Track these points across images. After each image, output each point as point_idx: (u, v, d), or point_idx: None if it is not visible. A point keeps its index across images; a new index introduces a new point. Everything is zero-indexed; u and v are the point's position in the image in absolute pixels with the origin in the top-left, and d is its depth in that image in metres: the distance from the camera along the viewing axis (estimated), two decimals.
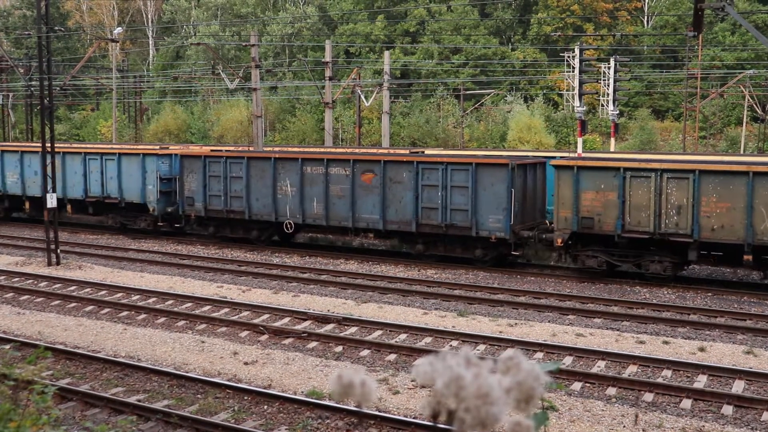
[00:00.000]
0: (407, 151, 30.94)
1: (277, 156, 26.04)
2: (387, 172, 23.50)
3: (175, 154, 28.73)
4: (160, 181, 27.91)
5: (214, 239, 27.73)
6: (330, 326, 16.44)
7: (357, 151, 34.21)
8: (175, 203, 28.05)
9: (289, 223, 25.54)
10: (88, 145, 39.52)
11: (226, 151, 30.09)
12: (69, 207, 30.58)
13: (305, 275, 22.26)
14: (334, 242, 28.65)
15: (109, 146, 37.82)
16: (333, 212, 24.60)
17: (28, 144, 39.63)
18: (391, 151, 32.42)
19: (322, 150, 33.67)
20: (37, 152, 29.33)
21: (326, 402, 11.75)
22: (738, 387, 12.63)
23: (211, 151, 29.84)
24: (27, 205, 32.40)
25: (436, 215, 22.75)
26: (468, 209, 22.13)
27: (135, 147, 36.48)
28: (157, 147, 34.34)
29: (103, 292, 20.07)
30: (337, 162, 24.62)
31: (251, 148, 35.11)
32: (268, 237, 27.07)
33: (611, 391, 12.57)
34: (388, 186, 23.51)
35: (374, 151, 33.09)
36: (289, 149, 36.46)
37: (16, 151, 32.63)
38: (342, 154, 26.80)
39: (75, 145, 37.91)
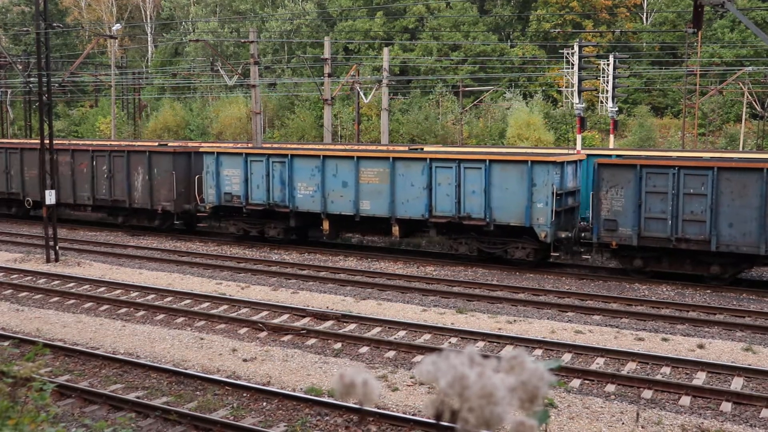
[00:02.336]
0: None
1: None
2: None
3: (579, 161, 23.43)
4: (555, 197, 21.44)
5: (641, 275, 21.32)
6: (329, 323, 16.43)
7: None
8: (573, 225, 22.24)
9: None
10: (438, 149, 31.02)
11: (677, 158, 23.44)
12: (396, 229, 23.54)
13: (304, 272, 22.25)
14: None
15: (467, 150, 28.99)
16: None
17: (334, 146, 34.22)
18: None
19: None
20: (350, 158, 24.08)
21: (325, 399, 11.75)
22: (737, 384, 12.64)
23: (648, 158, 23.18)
24: (326, 225, 24.85)
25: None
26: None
27: (509, 151, 29.27)
28: (552, 152, 26.64)
29: (102, 289, 20.05)
30: None
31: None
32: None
33: (610, 388, 12.57)
34: None
35: None
36: None
37: (316, 156, 24.82)
38: None
39: (414, 151, 27.62)
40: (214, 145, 34.38)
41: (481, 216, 22.05)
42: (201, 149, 28.01)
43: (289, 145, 34.91)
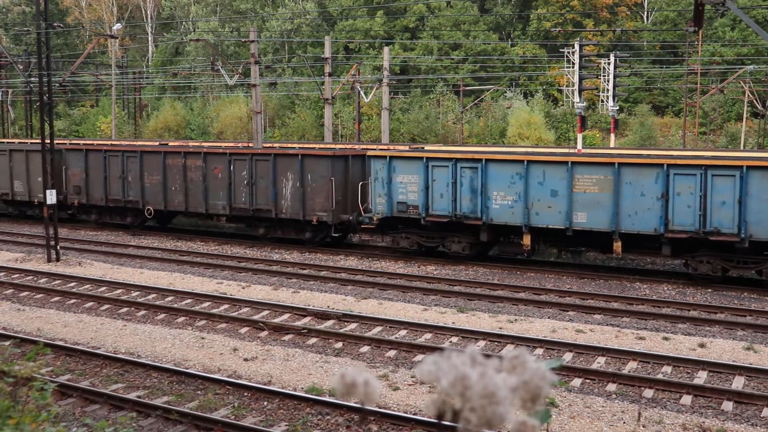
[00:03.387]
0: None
1: None
2: None
3: None
4: None
5: None
6: (330, 322, 16.42)
7: None
8: None
9: None
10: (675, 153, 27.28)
11: None
12: (618, 245, 20.63)
13: (305, 272, 22.25)
14: None
15: (711, 155, 25.60)
16: None
17: (538, 149, 31.51)
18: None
19: None
20: (561, 163, 21.29)
21: (326, 398, 11.75)
22: (738, 383, 12.63)
23: None
24: (527, 239, 21.89)
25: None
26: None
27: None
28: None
29: (103, 289, 20.05)
30: None
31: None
32: None
33: (611, 387, 12.56)
34: None
35: None
36: None
37: (518, 162, 22.01)
38: None
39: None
40: (383, 148, 30.26)
41: (733, 231, 19.13)
42: (370, 153, 24.65)
43: (477, 148, 31.40)
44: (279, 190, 25.32)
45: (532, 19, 64.19)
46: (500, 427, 1.18)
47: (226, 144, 35.28)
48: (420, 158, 23.10)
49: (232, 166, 26.14)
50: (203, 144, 37.26)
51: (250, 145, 34.46)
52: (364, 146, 31.59)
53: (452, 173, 22.49)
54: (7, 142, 38.07)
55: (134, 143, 36.73)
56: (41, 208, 27.84)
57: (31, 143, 35.72)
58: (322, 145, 34.00)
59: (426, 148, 30.02)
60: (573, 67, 32.67)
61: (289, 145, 33.76)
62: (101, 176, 29.29)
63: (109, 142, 37.71)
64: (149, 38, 78.95)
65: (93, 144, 34.67)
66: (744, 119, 50.35)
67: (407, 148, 30.03)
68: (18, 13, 79.92)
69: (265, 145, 34.16)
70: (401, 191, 23.34)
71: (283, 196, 25.26)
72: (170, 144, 35.93)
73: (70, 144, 33.55)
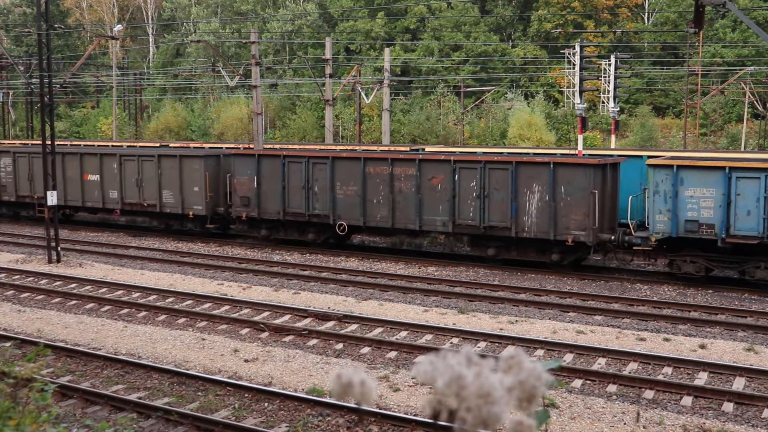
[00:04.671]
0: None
1: None
2: None
3: None
4: None
5: None
6: (330, 324, 16.43)
7: None
8: None
9: None
10: None
11: None
12: None
13: (306, 273, 22.25)
14: None
15: None
16: None
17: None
18: None
19: None
20: None
21: (327, 399, 11.75)
22: (739, 384, 12.63)
23: None
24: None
25: None
26: None
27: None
28: None
29: (104, 290, 20.06)
30: None
31: None
32: None
33: (612, 388, 12.56)
34: None
35: None
36: None
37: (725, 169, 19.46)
38: None
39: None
40: (671, 154, 25.20)
41: None
42: (650, 161, 20.97)
43: None
44: (521, 204, 21.69)
45: (532, 20, 64.20)
46: (496, 427, 1.18)
47: (449, 149, 30.53)
48: (719, 168, 19.61)
49: (456, 176, 22.48)
50: (414, 147, 32.63)
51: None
52: (610, 151, 28.58)
53: (765, 186, 19.00)
54: (159, 146, 36.41)
55: (327, 148, 32.55)
56: (196, 221, 27.74)
57: (188, 147, 34.50)
58: (539, 150, 30.19)
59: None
60: (574, 69, 32.68)
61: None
62: (278, 186, 25.33)
63: (287, 146, 35.56)
64: (150, 39, 79.01)
65: (269, 149, 31.46)
66: (744, 120, 50.33)
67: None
68: (19, 14, 80.00)
69: (489, 150, 30.61)
70: (690, 208, 19.92)
71: (527, 212, 21.64)
72: (372, 149, 31.87)
73: (243, 149, 30.72)
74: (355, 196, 24.10)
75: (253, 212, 26.02)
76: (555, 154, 26.77)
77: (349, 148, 34.13)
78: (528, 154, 26.37)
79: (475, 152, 28.03)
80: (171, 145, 39.02)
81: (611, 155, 24.39)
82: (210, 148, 33.66)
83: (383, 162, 23.71)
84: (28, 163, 31.80)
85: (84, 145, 38.13)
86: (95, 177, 29.74)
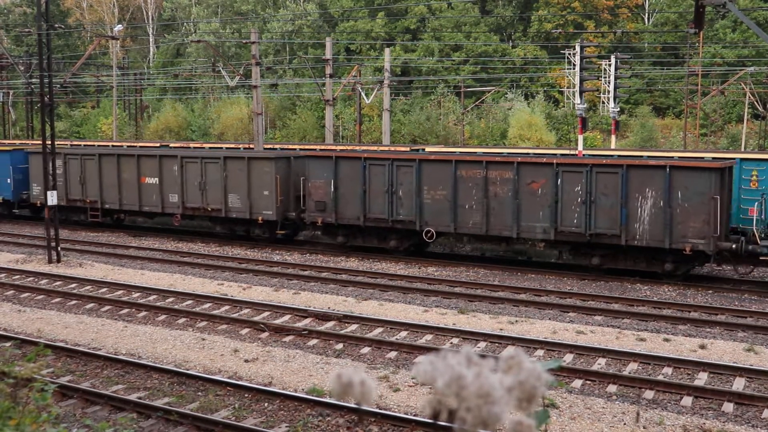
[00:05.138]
0: None
1: None
2: None
3: None
4: None
5: None
6: (330, 324, 16.43)
7: None
8: None
9: None
10: None
11: None
12: None
13: (306, 273, 22.25)
14: None
15: None
16: None
17: None
18: None
19: None
20: None
21: (327, 399, 11.75)
22: (739, 384, 12.63)
23: None
24: None
25: None
26: None
27: None
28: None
29: (104, 290, 20.07)
30: None
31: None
32: None
33: (612, 388, 12.56)
34: None
35: None
36: None
37: None
38: None
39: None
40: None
41: None
42: None
43: None
44: (632, 210, 20.38)
45: (533, 20, 64.20)
46: (496, 427, 1.18)
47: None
48: None
49: (559, 180, 21.17)
50: (513, 151, 30.31)
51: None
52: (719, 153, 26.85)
53: None
54: (226, 149, 34.12)
55: (395, 149, 30.49)
56: (264, 227, 26.22)
57: (260, 148, 32.28)
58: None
59: None
60: (574, 69, 32.67)
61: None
62: (358, 190, 23.98)
63: (371, 148, 32.93)
64: (150, 39, 79.01)
65: (348, 150, 30.00)
66: (745, 121, 50.33)
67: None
68: (19, 14, 80.00)
69: (567, 151, 29.01)
70: None
71: (638, 218, 20.33)
72: (462, 151, 29.83)
73: (320, 150, 29.31)
74: (444, 201, 22.82)
75: (330, 218, 24.63)
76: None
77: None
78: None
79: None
80: (225, 146, 37.05)
81: (730, 158, 22.68)
82: (280, 149, 32.05)
83: (477, 165, 22.44)
84: (79, 165, 30.06)
85: (140, 146, 36.61)
86: (153, 180, 28.15)
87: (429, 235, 23.06)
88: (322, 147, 33.20)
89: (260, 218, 25.91)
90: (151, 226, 31.97)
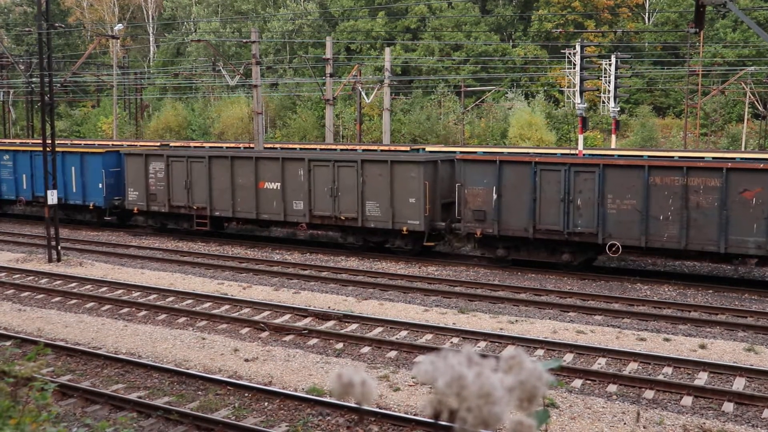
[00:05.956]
0: None
1: None
2: None
3: None
4: None
5: None
6: (331, 323, 16.43)
7: None
8: None
9: None
10: None
11: None
12: None
13: (306, 272, 22.25)
14: None
15: None
16: None
17: None
18: None
19: None
20: None
21: (327, 399, 11.75)
22: (739, 384, 12.63)
23: None
24: None
25: None
26: None
27: None
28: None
29: (104, 289, 20.07)
30: None
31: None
32: None
33: (612, 388, 12.56)
34: None
35: None
36: None
37: None
38: None
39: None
40: None
41: None
42: None
43: None
44: None
45: (533, 20, 64.21)
46: (497, 427, 1.18)
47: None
48: None
49: None
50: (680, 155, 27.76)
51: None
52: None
53: None
54: (363, 151, 30.66)
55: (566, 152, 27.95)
56: (408, 239, 23.65)
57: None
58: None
59: None
60: (574, 68, 32.68)
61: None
62: (526, 198, 21.60)
63: (532, 150, 30.14)
64: (150, 39, 79.02)
65: (515, 154, 26.69)
66: (745, 120, 50.34)
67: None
68: (19, 13, 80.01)
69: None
70: None
71: None
72: (651, 155, 27.84)
73: (482, 153, 26.63)
74: (633, 212, 20.45)
75: (490, 228, 22.10)
76: (555, 154, 26.70)
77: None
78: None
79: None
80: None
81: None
82: (429, 152, 28.95)
83: (675, 171, 20.03)
84: (185, 168, 27.15)
85: (273, 148, 33.35)
86: (274, 185, 25.46)
87: (614, 249, 20.74)
88: (470, 149, 29.30)
89: (405, 228, 23.27)
90: (264, 235, 29.23)
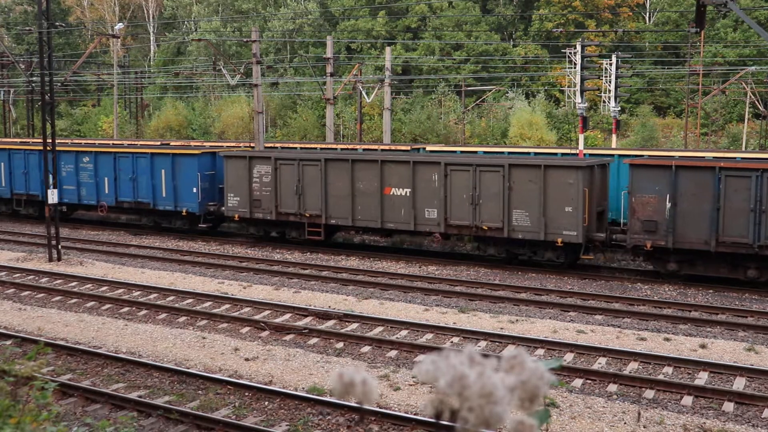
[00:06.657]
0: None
1: None
2: None
3: None
4: None
5: None
6: (331, 323, 16.43)
7: None
8: None
9: None
10: None
11: None
12: None
13: (306, 272, 22.25)
14: None
15: None
16: None
17: None
18: None
19: None
20: None
21: (327, 398, 11.75)
22: (739, 384, 12.62)
23: None
24: None
25: None
26: None
27: None
28: None
29: (105, 288, 20.07)
30: None
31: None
32: None
33: (612, 388, 12.56)
34: None
35: None
36: None
37: None
38: None
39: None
40: None
41: None
42: None
43: None
44: None
45: (533, 19, 64.19)
46: (498, 426, 1.18)
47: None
48: None
49: None
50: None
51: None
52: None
53: None
54: (509, 154, 27.82)
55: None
56: (560, 251, 21.74)
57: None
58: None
59: None
60: (575, 68, 32.65)
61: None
62: (706, 207, 19.43)
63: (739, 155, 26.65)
64: (151, 38, 79.01)
65: (688, 158, 23.84)
66: (746, 120, 50.31)
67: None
68: (20, 12, 79.99)
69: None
70: None
71: None
72: (373, 148, 27.12)
73: (649, 157, 24.04)
74: None
75: (662, 241, 19.94)
76: (555, 154, 26.67)
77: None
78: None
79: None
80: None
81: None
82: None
83: None
84: (297, 171, 25.03)
85: (381, 150, 29.82)
86: (403, 191, 23.47)
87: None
88: (630, 152, 27.16)
89: (559, 240, 21.27)
90: (384, 245, 27.14)
